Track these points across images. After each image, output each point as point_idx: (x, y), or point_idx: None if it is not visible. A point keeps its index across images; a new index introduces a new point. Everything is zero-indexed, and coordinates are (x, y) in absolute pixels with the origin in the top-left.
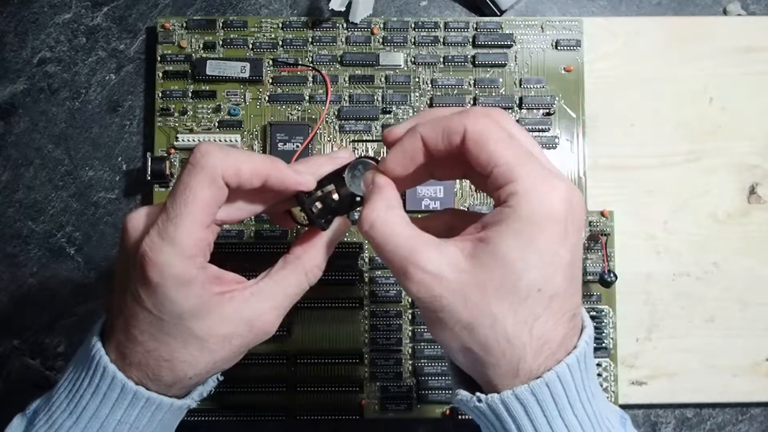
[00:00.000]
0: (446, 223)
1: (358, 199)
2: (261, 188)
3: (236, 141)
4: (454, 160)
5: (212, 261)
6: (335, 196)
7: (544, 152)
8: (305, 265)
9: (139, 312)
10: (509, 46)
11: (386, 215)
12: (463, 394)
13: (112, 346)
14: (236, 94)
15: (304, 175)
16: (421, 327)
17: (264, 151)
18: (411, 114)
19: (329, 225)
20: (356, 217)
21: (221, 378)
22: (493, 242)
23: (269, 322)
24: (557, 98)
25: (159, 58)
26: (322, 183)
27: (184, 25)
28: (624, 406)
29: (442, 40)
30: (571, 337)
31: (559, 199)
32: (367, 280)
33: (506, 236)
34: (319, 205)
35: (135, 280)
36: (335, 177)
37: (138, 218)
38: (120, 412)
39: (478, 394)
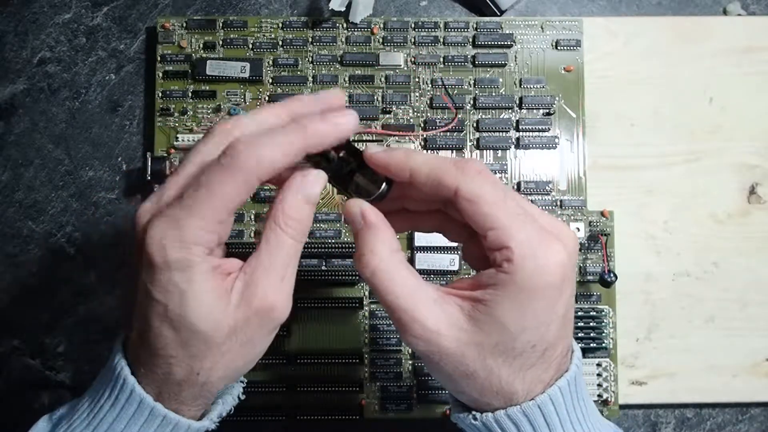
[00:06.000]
0: (435, 227)
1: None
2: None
3: None
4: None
5: None
6: (347, 169)
7: (539, 210)
8: (281, 220)
9: (147, 306)
10: (509, 46)
11: (388, 262)
12: (461, 414)
13: (131, 355)
14: (236, 94)
15: (347, 126)
16: None
17: None
18: (411, 114)
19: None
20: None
21: (243, 397)
22: (489, 306)
23: (269, 295)
24: (557, 98)
25: (159, 58)
26: (355, 153)
27: (184, 25)
28: (624, 406)
29: (442, 40)
30: (562, 365)
31: (554, 264)
32: None
33: (502, 302)
34: (333, 155)
35: (143, 269)
36: (360, 159)
37: (145, 209)
38: (135, 428)
39: (473, 412)
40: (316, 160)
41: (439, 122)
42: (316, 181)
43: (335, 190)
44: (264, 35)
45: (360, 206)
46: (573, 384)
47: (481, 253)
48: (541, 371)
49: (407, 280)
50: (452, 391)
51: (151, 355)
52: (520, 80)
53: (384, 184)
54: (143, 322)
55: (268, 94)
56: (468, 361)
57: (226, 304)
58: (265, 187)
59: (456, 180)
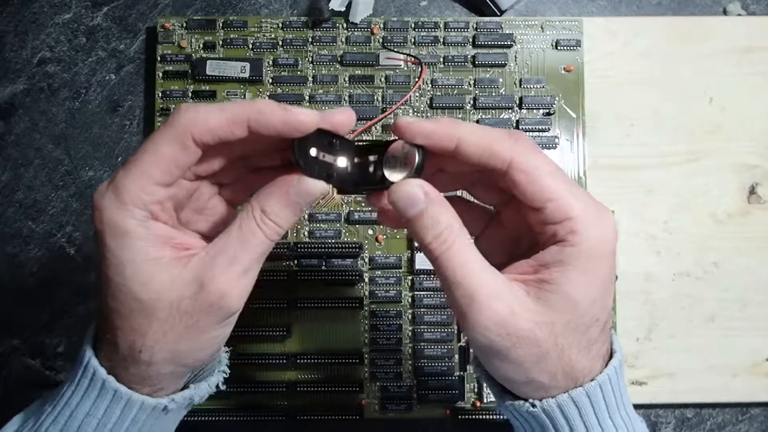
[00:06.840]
0: None
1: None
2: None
3: None
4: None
5: None
6: (371, 168)
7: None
8: (259, 214)
9: (99, 275)
10: (509, 46)
11: (464, 239)
12: (515, 402)
13: (98, 334)
14: (236, 94)
15: (298, 113)
16: (421, 327)
17: None
18: (411, 114)
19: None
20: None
21: (223, 387)
22: (558, 283)
23: (224, 283)
24: (557, 98)
25: (159, 58)
26: (369, 150)
27: (184, 25)
28: None
29: (442, 40)
30: (609, 342)
31: (612, 231)
32: (367, 280)
33: (571, 277)
34: (344, 163)
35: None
36: (379, 151)
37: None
38: (89, 402)
39: (531, 400)
40: (327, 173)
41: None
42: (313, 187)
43: (334, 189)
44: (264, 35)
45: (419, 183)
46: (622, 364)
47: (506, 236)
48: (600, 345)
49: (478, 258)
50: (518, 381)
51: (102, 327)
52: (520, 80)
53: (417, 153)
54: (100, 294)
55: (268, 94)
56: (541, 343)
57: (173, 277)
58: None
59: (511, 151)
